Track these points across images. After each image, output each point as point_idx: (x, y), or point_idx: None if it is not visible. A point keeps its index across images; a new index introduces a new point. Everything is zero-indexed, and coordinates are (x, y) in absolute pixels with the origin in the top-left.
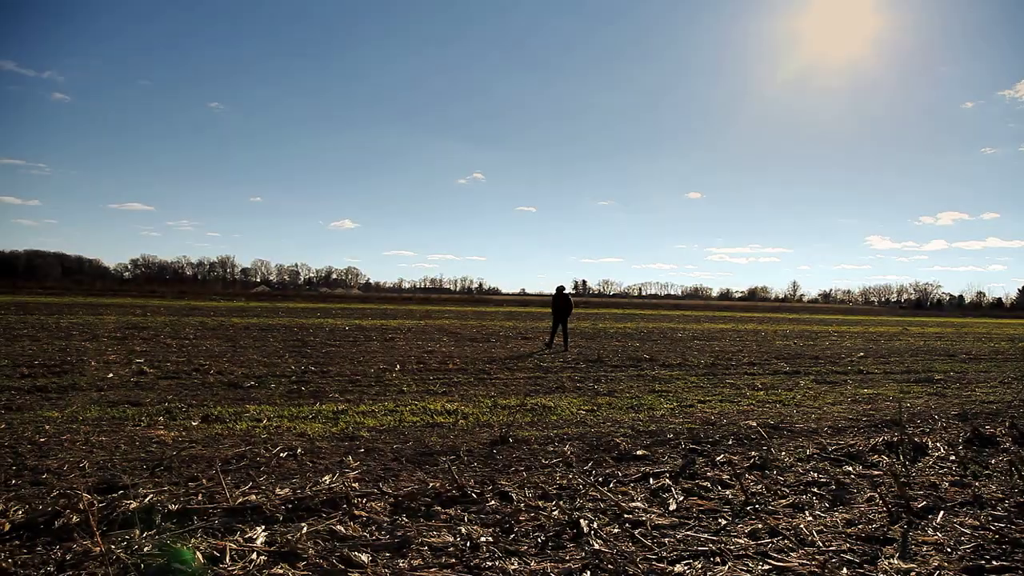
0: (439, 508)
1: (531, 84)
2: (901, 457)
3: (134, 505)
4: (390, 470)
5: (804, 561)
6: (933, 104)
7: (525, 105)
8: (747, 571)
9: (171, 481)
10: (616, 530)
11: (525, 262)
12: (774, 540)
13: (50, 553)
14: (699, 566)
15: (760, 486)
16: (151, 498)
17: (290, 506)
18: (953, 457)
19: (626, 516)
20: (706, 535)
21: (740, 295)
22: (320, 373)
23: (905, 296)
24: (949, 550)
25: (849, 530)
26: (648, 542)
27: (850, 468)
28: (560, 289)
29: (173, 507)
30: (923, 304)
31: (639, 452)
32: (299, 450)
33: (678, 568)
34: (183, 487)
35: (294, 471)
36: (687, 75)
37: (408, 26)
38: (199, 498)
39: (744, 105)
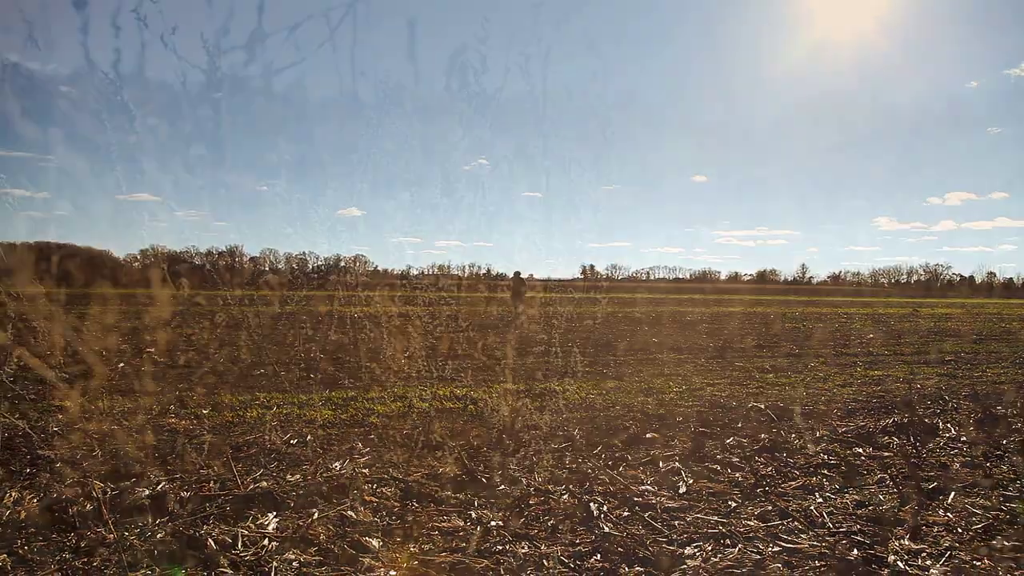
0: (449, 493)
1: (535, 68)
2: (912, 438)
3: (146, 493)
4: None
5: (814, 542)
6: (938, 84)
7: (529, 89)
8: (757, 553)
9: (183, 469)
10: (626, 513)
11: (532, 248)
12: (784, 522)
13: (64, 541)
14: (709, 548)
15: (770, 468)
16: (163, 486)
17: (301, 492)
18: (964, 438)
19: (636, 499)
20: (716, 518)
21: (749, 278)
22: (330, 360)
23: (915, 277)
24: (960, 530)
25: (859, 511)
26: (658, 525)
27: (860, 450)
28: (517, 273)
29: (185, 494)
30: (933, 285)
31: (648, 435)
32: (309, 437)
33: (688, 551)
34: (195, 475)
35: (304, 458)
36: (691, 58)
37: (412, 11)
38: (210, 485)
39: (749, 87)
